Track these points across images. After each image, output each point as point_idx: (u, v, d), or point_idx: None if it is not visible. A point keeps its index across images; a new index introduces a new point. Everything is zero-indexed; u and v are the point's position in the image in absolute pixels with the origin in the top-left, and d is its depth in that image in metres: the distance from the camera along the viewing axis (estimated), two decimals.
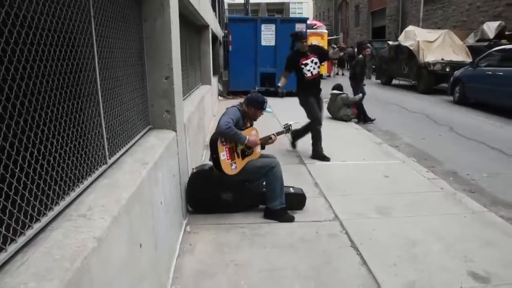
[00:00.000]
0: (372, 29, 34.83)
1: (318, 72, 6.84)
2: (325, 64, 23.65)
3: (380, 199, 5.00)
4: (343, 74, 26.41)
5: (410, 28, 18.70)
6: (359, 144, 7.45)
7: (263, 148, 4.77)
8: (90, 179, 2.28)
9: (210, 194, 4.42)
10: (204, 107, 7.84)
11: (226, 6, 38.83)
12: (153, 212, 2.80)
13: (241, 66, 14.53)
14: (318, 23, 27.22)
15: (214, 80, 12.36)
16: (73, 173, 2.07)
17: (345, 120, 9.95)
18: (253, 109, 4.45)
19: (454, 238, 3.99)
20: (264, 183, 4.46)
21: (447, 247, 3.82)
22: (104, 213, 1.95)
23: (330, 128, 9.31)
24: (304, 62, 6.68)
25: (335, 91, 10.60)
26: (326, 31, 24.77)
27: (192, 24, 8.09)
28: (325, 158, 6.62)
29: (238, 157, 4.27)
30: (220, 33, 17.29)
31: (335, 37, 37.13)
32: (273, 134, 4.70)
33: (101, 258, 1.75)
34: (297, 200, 4.62)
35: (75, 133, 2.14)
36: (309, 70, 6.71)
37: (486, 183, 5.94)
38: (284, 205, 4.40)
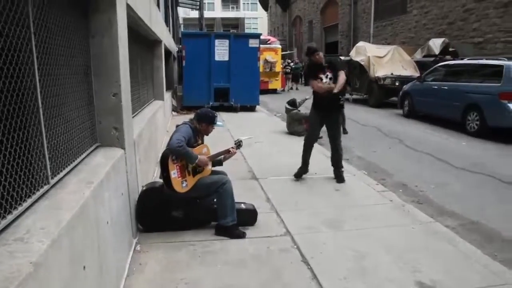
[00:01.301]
0: (325, 44, 35.62)
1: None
2: (279, 79, 24.01)
3: (331, 212, 5.09)
4: (297, 89, 26.76)
5: (361, 43, 19.28)
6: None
7: (221, 164, 4.77)
8: (30, 201, 2.20)
9: (161, 212, 4.36)
10: (156, 123, 7.75)
11: (181, 21, 38.84)
12: (99, 233, 2.74)
13: (195, 81, 14.50)
14: (272, 38, 27.55)
15: (168, 95, 12.27)
16: (10, 195, 1.99)
17: (298, 135, 10.08)
18: (204, 124, 4.45)
19: (402, 249, 4.11)
20: (215, 200, 4.44)
21: (395, 259, 3.93)
22: (43, 236, 1.89)
23: (282, 142, 9.46)
24: (320, 76, 6.29)
25: (287, 106, 10.77)
26: (280, 46, 25.11)
27: (144, 39, 8.02)
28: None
29: (189, 174, 4.24)
30: (174, 48, 17.22)
31: (289, 52, 37.68)
32: (232, 147, 4.70)
33: (38, 283, 1.69)
34: (249, 216, 4.63)
35: (13, 154, 2.07)
36: None
37: (434, 194, 6.16)
38: (236, 221, 4.38)
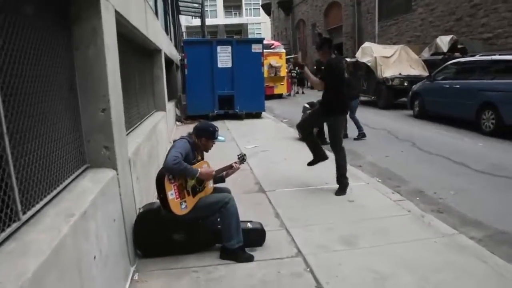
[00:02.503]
0: None
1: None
2: (284, 83, 23.72)
3: (345, 227, 4.70)
4: (303, 93, 26.40)
5: (366, 44, 18.88)
6: (321, 166, 7.16)
7: (223, 181, 4.41)
8: None
9: (160, 236, 3.99)
10: (157, 135, 7.41)
11: (183, 29, 38.69)
12: (82, 273, 2.38)
13: (198, 89, 14.13)
14: (276, 43, 27.28)
15: (170, 105, 11.95)
16: None
17: None
18: (204, 139, 4.07)
19: (426, 268, 3.71)
20: (218, 220, 4.07)
21: (420, 280, 3.53)
22: None
23: (290, 150, 9.06)
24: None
25: (306, 105, 10.31)
26: (284, 50, 24.82)
27: (141, 49, 7.70)
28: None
29: (189, 195, 3.86)
30: (176, 56, 16.94)
31: (293, 56, 37.36)
32: (235, 163, 4.31)
33: None
34: (256, 236, 4.23)
35: None
36: None
37: (454, 201, 5.76)
38: (242, 243, 3.99)
